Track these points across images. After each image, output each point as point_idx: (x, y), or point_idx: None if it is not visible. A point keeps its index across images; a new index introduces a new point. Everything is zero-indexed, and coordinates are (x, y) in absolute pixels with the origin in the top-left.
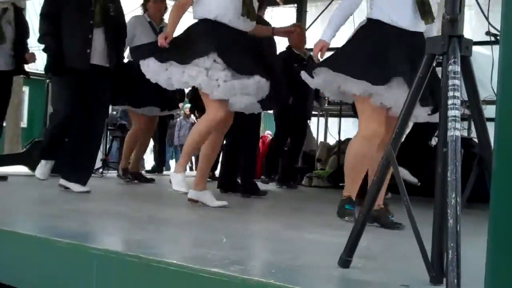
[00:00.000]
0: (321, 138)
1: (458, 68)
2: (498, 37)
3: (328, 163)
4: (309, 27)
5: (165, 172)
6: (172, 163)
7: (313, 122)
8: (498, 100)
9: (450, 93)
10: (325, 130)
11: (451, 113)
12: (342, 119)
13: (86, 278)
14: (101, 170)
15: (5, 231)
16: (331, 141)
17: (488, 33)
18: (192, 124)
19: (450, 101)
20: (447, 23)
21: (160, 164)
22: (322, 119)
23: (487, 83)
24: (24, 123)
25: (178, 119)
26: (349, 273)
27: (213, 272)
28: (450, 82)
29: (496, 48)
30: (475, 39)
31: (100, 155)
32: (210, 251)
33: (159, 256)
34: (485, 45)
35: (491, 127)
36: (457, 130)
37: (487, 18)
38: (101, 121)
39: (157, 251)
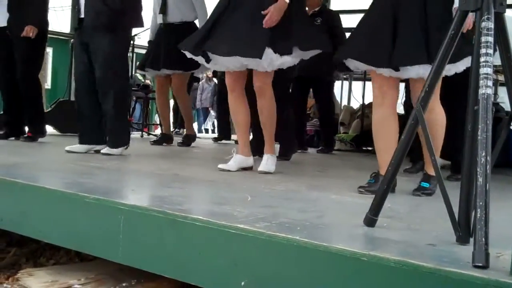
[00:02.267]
0: (344, 102)
1: (491, 25)
2: None
3: (351, 126)
4: None
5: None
6: (193, 126)
7: (336, 86)
8: None
9: (483, 50)
10: (349, 93)
11: (483, 70)
12: (366, 82)
13: (113, 233)
14: None
15: (33, 186)
16: (355, 104)
17: None
18: (215, 87)
19: (482, 59)
20: None
21: (181, 127)
22: (346, 83)
23: None
24: (48, 85)
25: (200, 82)
26: (374, 232)
27: (239, 228)
28: (483, 39)
29: None
30: None
31: None
32: (236, 209)
33: (184, 212)
34: None
35: None
36: (489, 88)
37: None
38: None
39: (183, 208)
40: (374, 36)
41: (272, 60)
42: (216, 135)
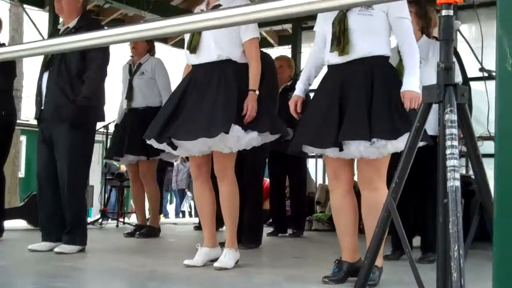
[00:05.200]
0: (319, 180)
1: (455, 117)
2: (492, 73)
3: (327, 205)
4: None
5: (162, 220)
6: (170, 208)
7: (311, 164)
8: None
9: (448, 143)
10: (324, 171)
11: (450, 163)
12: None
13: None
14: (100, 221)
15: None
16: None
17: (481, 69)
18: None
19: (448, 151)
20: (442, 71)
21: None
22: (320, 160)
23: (483, 119)
24: (21, 173)
25: (175, 164)
26: None
27: None
28: (448, 131)
29: (490, 83)
30: (469, 75)
31: (98, 206)
32: None
33: None
34: (479, 80)
35: (489, 164)
36: (456, 180)
37: (480, 62)
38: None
39: None
40: (322, 121)
41: (239, 138)
42: (195, 219)
